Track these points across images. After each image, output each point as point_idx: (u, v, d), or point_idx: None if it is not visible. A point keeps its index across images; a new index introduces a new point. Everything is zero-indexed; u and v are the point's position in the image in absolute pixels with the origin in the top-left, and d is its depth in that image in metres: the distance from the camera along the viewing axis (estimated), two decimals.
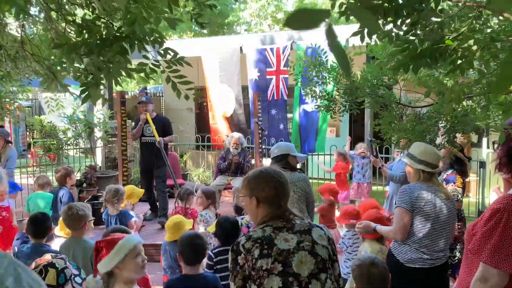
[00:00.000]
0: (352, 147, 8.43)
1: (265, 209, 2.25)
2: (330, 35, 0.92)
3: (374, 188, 8.05)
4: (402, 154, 6.31)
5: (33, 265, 2.78)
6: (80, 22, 3.02)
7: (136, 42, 2.86)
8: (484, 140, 8.84)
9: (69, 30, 3.25)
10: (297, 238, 2.15)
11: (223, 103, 10.34)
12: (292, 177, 4.01)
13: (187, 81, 2.96)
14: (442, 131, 4.40)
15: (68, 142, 9.80)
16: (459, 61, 2.89)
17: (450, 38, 2.73)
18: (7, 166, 6.97)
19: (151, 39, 2.92)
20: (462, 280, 2.39)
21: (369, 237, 3.94)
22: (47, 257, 2.86)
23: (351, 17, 2.95)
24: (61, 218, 4.34)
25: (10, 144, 7.23)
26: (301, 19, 0.90)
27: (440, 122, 4.29)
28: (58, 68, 3.53)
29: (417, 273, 3.29)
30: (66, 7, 3.05)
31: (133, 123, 7.93)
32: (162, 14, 2.82)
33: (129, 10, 2.89)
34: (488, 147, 8.74)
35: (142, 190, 6.03)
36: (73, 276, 2.84)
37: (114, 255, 2.47)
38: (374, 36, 3.01)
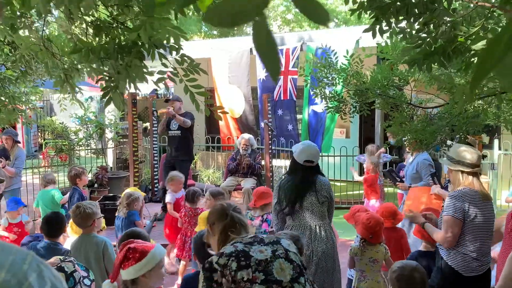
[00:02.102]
0: (362, 151, 8.32)
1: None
2: (260, 29, 0.70)
3: (384, 189, 8.02)
4: (412, 155, 6.30)
5: None
6: (98, 23, 3.05)
7: (154, 48, 2.87)
8: (496, 141, 8.76)
9: (87, 33, 3.28)
10: (270, 248, 2.22)
11: (232, 104, 10.37)
12: (322, 182, 3.94)
13: (204, 92, 2.96)
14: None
15: (80, 143, 9.89)
16: (471, 60, 2.87)
17: (464, 37, 2.72)
18: (16, 165, 7.08)
19: (169, 45, 2.92)
20: (501, 258, 2.42)
21: (373, 241, 3.90)
22: (55, 260, 2.87)
23: (361, 16, 2.97)
24: (71, 220, 4.40)
25: (18, 144, 7.36)
26: (226, 12, 0.68)
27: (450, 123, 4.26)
28: (78, 67, 3.56)
29: (476, 280, 3.23)
30: (82, 9, 3.08)
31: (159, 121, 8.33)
32: (168, 25, 2.81)
33: (138, 17, 2.92)
34: (499, 149, 8.67)
35: (143, 193, 6.08)
36: (82, 279, 2.86)
37: (145, 264, 2.50)
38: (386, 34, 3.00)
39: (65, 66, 3.52)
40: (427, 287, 2.86)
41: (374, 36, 2.92)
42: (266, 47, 0.71)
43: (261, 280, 2.11)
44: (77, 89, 3.64)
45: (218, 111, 3.30)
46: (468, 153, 3.35)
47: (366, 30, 2.93)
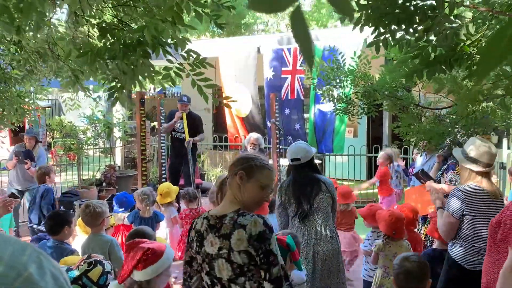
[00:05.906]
0: (370, 150, 8.17)
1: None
2: (297, 19, 0.80)
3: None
4: (421, 155, 6.26)
5: (85, 256, 2.87)
6: (103, 25, 3.05)
7: (159, 46, 2.87)
8: (505, 141, 8.69)
9: (92, 34, 3.29)
10: (219, 243, 2.22)
11: (239, 103, 10.36)
12: (327, 181, 3.91)
13: (212, 84, 2.96)
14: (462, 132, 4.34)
15: (88, 142, 9.93)
16: (475, 67, 2.84)
17: (467, 44, 2.69)
18: (38, 164, 7.13)
19: (174, 41, 2.93)
20: (486, 271, 2.38)
21: (397, 237, 3.89)
22: (99, 255, 2.97)
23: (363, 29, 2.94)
24: (79, 219, 4.41)
25: (39, 143, 7.45)
26: (266, 1, 0.78)
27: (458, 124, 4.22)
28: (81, 71, 3.60)
29: (478, 275, 3.10)
30: (88, 11, 3.09)
31: (166, 118, 8.06)
32: (171, 28, 2.81)
33: (143, 18, 2.93)
34: (508, 148, 8.60)
35: (177, 187, 6.00)
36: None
37: (161, 265, 2.56)
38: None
39: (72, 67, 3.55)
40: (425, 277, 2.78)
41: (377, 50, 2.89)
42: (303, 35, 0.79)
43: (206, 271, 2.27)
44: (87, 87, 3.69)
45: (226, 100, 3.33)
46: (482, 152, 3.24)
47: (369, 45, 2.91)
